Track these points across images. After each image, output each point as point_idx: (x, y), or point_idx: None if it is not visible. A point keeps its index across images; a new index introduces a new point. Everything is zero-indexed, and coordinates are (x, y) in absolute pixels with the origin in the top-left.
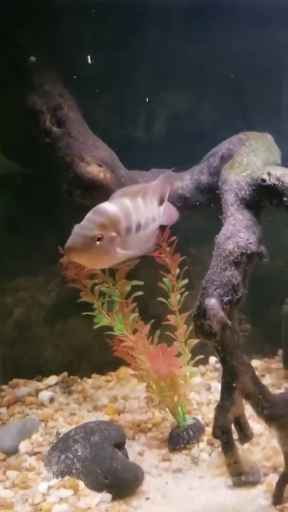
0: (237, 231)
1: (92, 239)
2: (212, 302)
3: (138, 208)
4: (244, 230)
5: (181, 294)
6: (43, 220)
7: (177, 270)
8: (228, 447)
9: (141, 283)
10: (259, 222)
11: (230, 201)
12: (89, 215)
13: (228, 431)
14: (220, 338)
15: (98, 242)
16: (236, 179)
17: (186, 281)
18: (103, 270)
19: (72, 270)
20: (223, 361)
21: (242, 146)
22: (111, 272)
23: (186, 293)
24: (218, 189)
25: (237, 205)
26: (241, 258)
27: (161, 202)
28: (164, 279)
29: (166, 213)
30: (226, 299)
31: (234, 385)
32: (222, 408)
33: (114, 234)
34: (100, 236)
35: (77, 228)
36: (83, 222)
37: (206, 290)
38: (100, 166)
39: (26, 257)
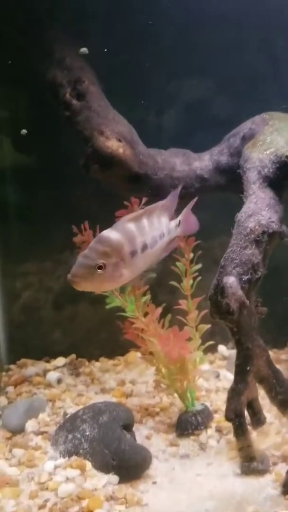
0: (259, 209)
1: (93, 268)
2: (230, 280)
3: (143, 229)
4: (266, 209)
5: (194, 279)
6: (52, 210)
7: (191, 255)
8: (240, 431)
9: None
10: (281, 202)
11: (252, 179)
12: (92, 244)
13: (240, 415)
14: (237, 318)
15: (99, 271)
16: (259, 157)
17: (199, 265)
18: None
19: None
20: (238, 343)
21: (265, 125)
22: None
23: (199, 278)
24: (238, 170)
25: (260, 183)
26: (262, 237)
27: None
28: (178, 263)
29: (185, 224)
30: (245, 278)
31: (248, 368)
32: (235, 391)
33: (117, 260)
34: (101, 265)
35: (80, 258)
36: (86, 251)
37: (224, 268)
38: (120, 141)
39: (35, 244)
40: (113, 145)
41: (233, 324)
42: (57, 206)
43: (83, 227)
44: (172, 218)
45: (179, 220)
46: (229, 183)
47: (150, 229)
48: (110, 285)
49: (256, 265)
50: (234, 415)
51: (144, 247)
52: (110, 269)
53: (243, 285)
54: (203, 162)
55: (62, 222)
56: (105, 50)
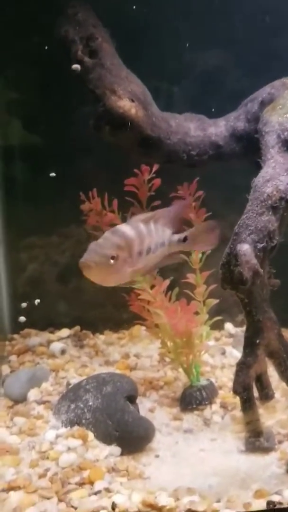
0: (277, 174)
1: (107, 257)
2: (244, 248)
3: (151, 233)
4: (285, 174)
5: (203, 252)
6: (58, 186)
7: None
8: (247, 405)
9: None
10: None
11: (271, 143)
12: (107, 234)
13: (249, 388)
14: (249, 287)
15: (112, 261)
16: (279, 120)
17: None
18: (123, 220)
19: (93, 217)
20: (248, 314)
21: (286, 89)
22: None
23: (209, 251)
24: (255, 136)
25: (279, 147)
26: (279, 203)
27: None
28: None
29: (197, 240)
30: (260, 245)
31: (258, 341)
32: (244, 364)
33: (127, 256)
34: (115, 255)
35: (93, 245)
36: (101, 240)
37: (238, 235)
38: (132, 101)
39: (41, 218)
40: (126, 105)
41: (244, 294)
42: (63, 181)
43: (91, 194)
44: (176, 228)
45: (185, 236)
46: (245, 151)
47: (156, 235)
48: (115, 278)
49: (272, 232)
50: (242, 389)
51: (148, 251)
52: (120, 263)
53: (258, 253)
54: (218, 128)
55: (69, 196)
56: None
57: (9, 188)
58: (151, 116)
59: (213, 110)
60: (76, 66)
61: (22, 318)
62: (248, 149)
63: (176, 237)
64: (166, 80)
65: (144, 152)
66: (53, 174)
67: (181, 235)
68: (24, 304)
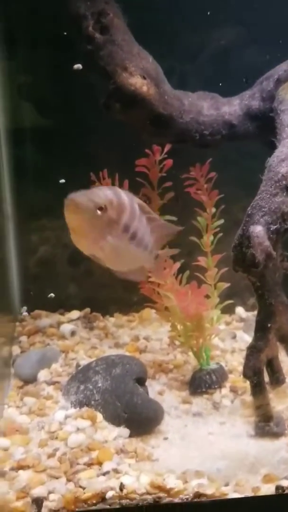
0: None
1: (95, 204)
2: (257, 229)
3: (141, 221)
4: None
5: (215, 235)
6: (69, 169)
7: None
8: (258, 389)
9: (174, 218)
10: None
11: (286, 121)
12: (103, 186)
13: (259, 372)
14: (261, 270)
15: (99, 212)
16: None
17: (221, 221)
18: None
19: None
20: (260, 298)
21: None
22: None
23: (220, 234)
24: (270, 115)
25: None
26: None
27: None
28: (199, 218)
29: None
30: (273, 227)
31: (269, 325)
32: (255, 348)
33: (114, 218)
34: (103, 207)
35: (85, 190)
36: (95, 189)
37: (251, 217)
38: (144, 78)
39: (51, 201)
40: (137, 82)
41: (256, 277)
42: (75, 163)
43: (102, 175)
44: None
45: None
46: (259, 130)
47: (142, 227)
48: (93, 236)
49: (286, 214)
50: (252, 373)
51: (133, 236)
52: (105, 220)
53: (271, 235)
54: (232, 107)
55: (80, 179)
56: None
57: (20, 170)
58: (163, 94)
59: (220, 86)
60: (77, 66)
61: (52, 295)
62: (262, 128)
63: (155, 252)
64: (178, 58)
65: (155, 131)
66: (62, 181)
67: (159, 252)
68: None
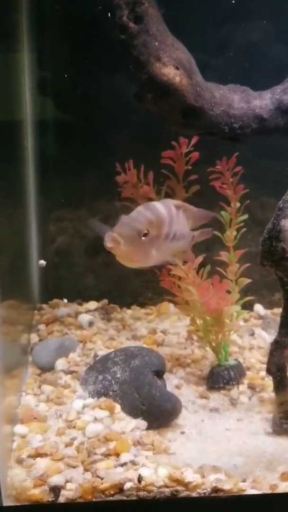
0: None
1: (139, 232)
2: None
3: (178, 220)
4: None
5: (238, 230)
6: (88, 162)
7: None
8: (280, 386)
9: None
10: None
11: None
12: (140, 208)
13: (283, 369)
14: None
15: (143, 238)
16: None
17: (246, 216)
18: (158, 193)
19: (128, 190)
20: (286, 293)
21: None
22: (167, 196)
23: (244, 229)
24: None
25: None
26: None
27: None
28: (222, 212)
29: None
30: None
31: None
32: (279, 344)
33: (156, 234)
34: (146, 232)
35: (125, 218)
36: (133, 214)
37: (283, 210)
38: (177, 69)
39: (69, 192)
40: (170, 72)
41: (285, 272)
42: (95, 155)
43: (127, 166)
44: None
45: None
46: None
47: (181, 224)
48: (140, 258)
49: None
50: (276, 369)
51: (174, 237)
52: (149, 240)
53: None
54: (263, 101)
55: (99, 171)
56: None
57: (41, 161)
58: (196, 86)
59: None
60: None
61: (42, 262)
62: None
63: (191, 235)
64: (208, 52)
65: (185, 123)
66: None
67: (194, 233)
68: (42, 262)
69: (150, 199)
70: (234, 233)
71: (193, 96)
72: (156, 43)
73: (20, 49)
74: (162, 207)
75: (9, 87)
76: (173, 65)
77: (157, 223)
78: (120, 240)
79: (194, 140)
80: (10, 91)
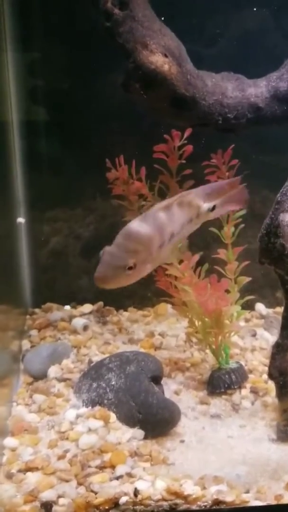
0: None
1: (124, 268)
2: None
3: (173, 217)
4: None
5: (236, 226)
6: (83, 160)
7: None
8: (284, 391)
9: None
10: None
11: None
12: (120, 239)
13: (286, 373)
14: None
15: (129, 271)
16: None
17: (244, 211)
18: (151, 189)
19: (119, 187)
20: (287, 292)
21: None
22: (161, 192)
23: (242, 225)
24: None
25: None
26: None
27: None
28: None
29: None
30: None
31: None
32: (281, 347)
33: (146, 255)
34: (132, 265)
35: (107, 256)
36: (114, 249)
37: (281, 204)
38: (166, 56)
39: (65, 192)
40: (158, 60)
41: (285, 270)
42: (89, 154)
43: (117, 161)
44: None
45: (214, 205)
46: (286, 114)
47: (179, 216)
48: (134, 280)
49: None
50: (278, 373)
51: (172, 236)
52: (139, 266)
53: None
54: (258, 89)
55: (94, 169)
56: None
57: (33, 161)
58: (186, 74)
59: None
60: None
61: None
62: None
63: (206, 206)
64: (201, 40)
65: (176, 113)
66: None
67: (209, 205)
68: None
69: (142, 196)
70: (232, 229)
71: (183, 85)
72: (143, 30)
73: (2, 48)
74: (145, 227)
75: None
76: (161, 52)
77: (144, 248)
78: (106, 281)
79: (187, 132)
80: None
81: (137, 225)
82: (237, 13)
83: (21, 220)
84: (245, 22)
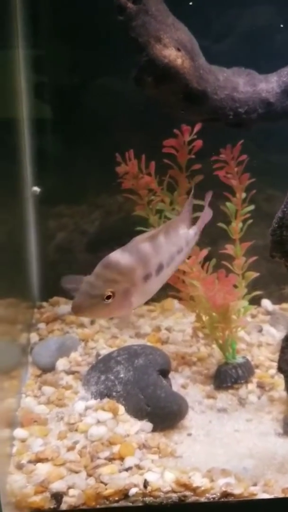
0: None
1: (101, 298)
2: None
3: (160, 248)
4: None
5: (244, 221)
6: (89, 157)
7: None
8: None
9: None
10: None
11: None
12: (98, 269)
13: None
14: None
15: (108, 301)
16: None
17: (252, 207)
18: (160, 184)
19: (128, 181)
20: None
21: None
22: (170, 187)
23: (250, 221)
24: None
25: None
26: None
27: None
28: (227, 203)
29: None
30: None
31: None
32: None
33: (128, 286)
34: (110, 294)
35: (85, 285)
36: (92, 278)
37: None
38: (179, 50)
39: (70, 187)
40: (171, 54)
41: None
42: (97, 150)
43: (127, 156)
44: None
45: (197, 228)
46: None
47: (167, 247)
48: (118, 313)
49: None
50: (287, 367)
51: (160, 268)
52: (119, 298)
53: None
54: (269, 84)
55: (101, 166)
56: None
57: (41, 157)
58: (198, 68)
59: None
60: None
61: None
62: None
63: (192, 231)
64: (211, 36)
65: (187, 108)
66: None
67: (194, 228)
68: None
69: (151, 190)
70: (240, 225)
71: (195, 79)
72: (156, 24)
73: (15, 45)
74: (125, 256)
75: (4, 85)
76: (174, 46)
77: (123, 277)
78: (82, 311)
79: (197, 127)
80: (5, 89)
81: (117, 255)
82: (249, 8)
83: (36, 188)
84: (256, 17)
